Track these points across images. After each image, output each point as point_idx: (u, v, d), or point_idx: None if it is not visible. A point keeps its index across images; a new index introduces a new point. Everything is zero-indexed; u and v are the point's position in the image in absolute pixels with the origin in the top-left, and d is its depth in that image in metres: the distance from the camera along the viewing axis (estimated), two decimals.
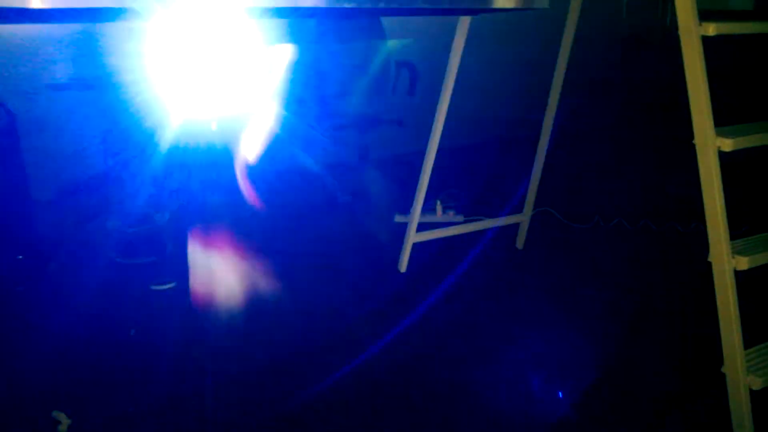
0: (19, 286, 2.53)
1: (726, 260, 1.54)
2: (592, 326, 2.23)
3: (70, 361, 2.06)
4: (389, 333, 2.21)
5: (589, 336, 2.16)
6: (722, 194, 1.57)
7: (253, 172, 3.77)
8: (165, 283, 2.62)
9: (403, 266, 2.68)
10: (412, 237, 2.65)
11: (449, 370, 1.99)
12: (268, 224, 3.37)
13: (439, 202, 3.39)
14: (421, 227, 2.77)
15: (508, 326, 2.26)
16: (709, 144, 1.57)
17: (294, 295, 2.55)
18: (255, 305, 2.45)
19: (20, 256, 2.74)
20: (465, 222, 3.27)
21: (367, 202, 3.64)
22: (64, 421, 1.76)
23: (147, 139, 3.59)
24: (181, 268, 2.76)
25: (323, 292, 2.59)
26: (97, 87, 3.25)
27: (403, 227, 2.75)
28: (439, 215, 3.38)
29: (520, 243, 2.95)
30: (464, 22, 2.39)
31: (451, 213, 3.38)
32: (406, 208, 2.67)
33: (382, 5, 2.13)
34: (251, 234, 3.24)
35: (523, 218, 2.90)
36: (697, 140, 1.60)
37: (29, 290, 2.53)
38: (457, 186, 3.70)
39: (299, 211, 3.59)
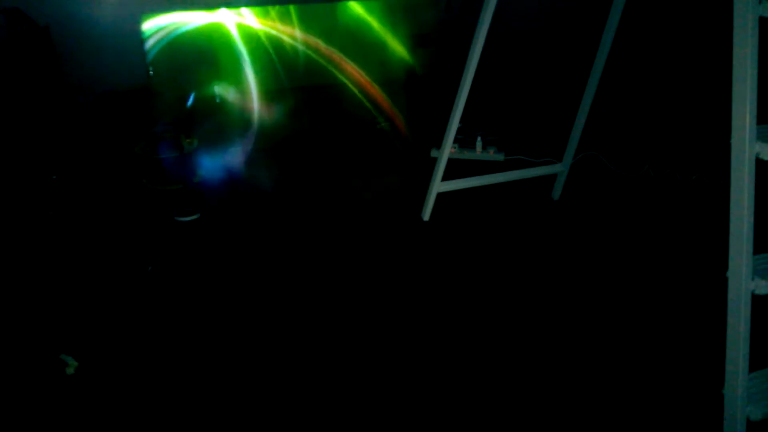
0: (49, 210, 2.61)
1: (744, 281, 1.39)
2: (606, 302, 2.11)
3: (83, 299, 2.15)
4: (390, 295, 2.16)
5: (599, 313, 2.06)
6: (752, 206, 1.38)
7: (288, 92, 3.67)
8: (190, 215, 2.65)
9: (427, 215, 2.59)
10: (437, 186, 2.53)
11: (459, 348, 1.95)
12: (296, 147, 3.33)
13: (479, 138, 3.22)
14: (457, 164, 2.53)
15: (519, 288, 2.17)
16: (746, 148, 1.37)
17: (299, 239, 2.52)
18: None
19: (54, 176, 2.81)
20: (503, 168, 3.11)
21: (405, 131, 3.49)
22: (72, 363, 1.85)
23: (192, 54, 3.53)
24: (206, 199, 2.77)
25: (331, 238, 2.54)
26: None
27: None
28: (478, 152, 3.21)
29: (556, 193, 2.79)
30: None
31: (492, 151, 3.19)
32: None
33: None
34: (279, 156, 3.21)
35: (561, 168, 2.72)
36: (734, 140, 1.40)
37: (59, 215, 2.61)
38: (500, 120, 3.48)
39: (331, 135, 3.48)
